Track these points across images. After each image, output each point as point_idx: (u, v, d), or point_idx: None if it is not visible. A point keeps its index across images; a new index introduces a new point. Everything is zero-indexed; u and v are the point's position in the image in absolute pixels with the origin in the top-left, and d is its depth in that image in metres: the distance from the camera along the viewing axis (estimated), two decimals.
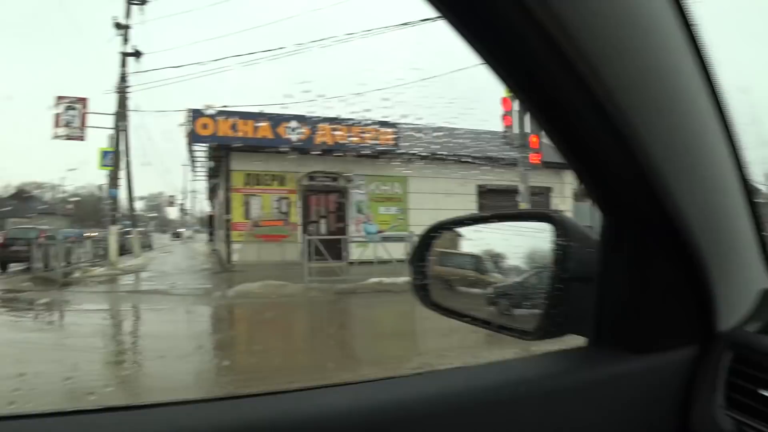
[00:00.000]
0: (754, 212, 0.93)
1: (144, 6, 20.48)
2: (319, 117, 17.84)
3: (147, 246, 34.05)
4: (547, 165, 20.66)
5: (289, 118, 17.57)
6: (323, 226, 19.11)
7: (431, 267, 1.21)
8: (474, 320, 1.10)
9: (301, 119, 17.65)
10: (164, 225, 74.78)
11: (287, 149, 16.76)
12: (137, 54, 19.96)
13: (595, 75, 0.66)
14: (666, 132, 0.75)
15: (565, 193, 22.09)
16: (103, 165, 21.52)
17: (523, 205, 15.00)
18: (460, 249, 1.26)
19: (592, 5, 0.62)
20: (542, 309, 0.92)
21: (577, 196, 24.31)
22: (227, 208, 18.47)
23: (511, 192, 17.71)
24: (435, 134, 18.73)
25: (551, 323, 0.91)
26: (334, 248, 15.79)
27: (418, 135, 18.99)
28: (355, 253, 17.66)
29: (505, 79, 0.71)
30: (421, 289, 1.19)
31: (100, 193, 23.92)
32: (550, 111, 0.75)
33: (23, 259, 16.70)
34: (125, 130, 20.70)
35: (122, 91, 19.90)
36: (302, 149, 17.22)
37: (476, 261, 1.21)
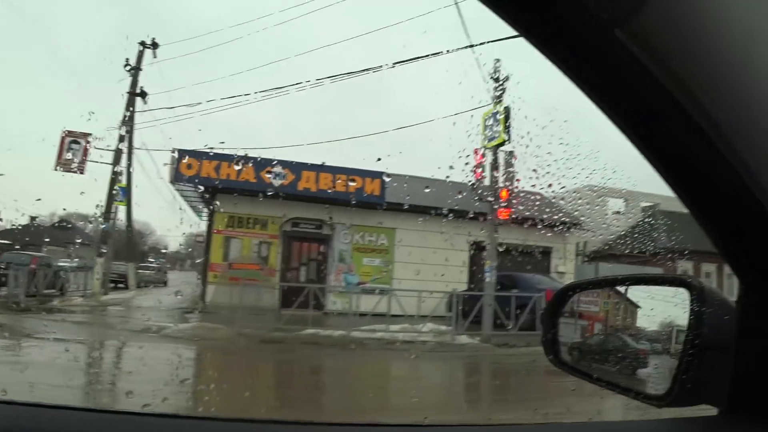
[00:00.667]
0: None
1: (156, 50, 21.30)
2: (304, 163, 17.80)
3: (160, 282, 34.10)
4: (549, 226, 19.91)
5: (273, 162, 17.53)
6: (303, 274, 18.77)
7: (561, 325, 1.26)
8: (601, 381, 1.13)
9: (285, 164, 17.60)
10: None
11: (271, 194, 16.69)
12: (143, 94, 20.64)
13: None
14: None
15: (567, 254, 21.04)
16: (118, 201, 22.20)
17: (488, 263, 14.19)
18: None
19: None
20: (673, 375, 0.92)
21: (582, 257, 23.12)
22: (207, 249, 18.46)
23: (508, 251, 17.02)
24: (420, 185, 18.30)
25: (682, 390, 0.90)
26: (311, 296, 15.21)
27: (404, 185, 18.57)
28: (335, 303, 17.23)
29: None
30: (550, 345, 1.23)
31: (127, 228, 24.66)
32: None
33: (4, 284, 17.07)
34: (128, 166, 21.24)
35: (127, 129, 20.54)
36: (286, 194, 17.14)
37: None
